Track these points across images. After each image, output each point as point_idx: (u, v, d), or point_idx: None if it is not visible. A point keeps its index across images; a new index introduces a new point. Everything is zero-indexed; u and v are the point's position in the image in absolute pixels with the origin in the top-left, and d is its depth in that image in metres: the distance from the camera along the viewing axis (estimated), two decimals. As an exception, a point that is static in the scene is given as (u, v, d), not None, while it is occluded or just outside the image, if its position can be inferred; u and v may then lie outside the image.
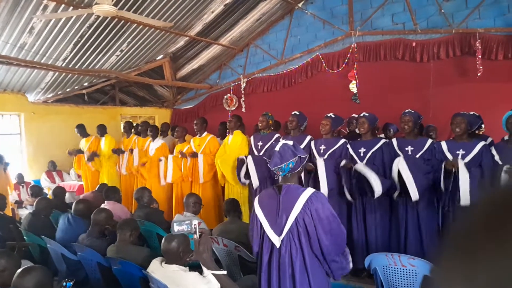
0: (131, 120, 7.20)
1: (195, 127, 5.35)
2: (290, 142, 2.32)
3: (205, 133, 5.39)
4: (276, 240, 2.13)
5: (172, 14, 5.90)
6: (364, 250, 3.81)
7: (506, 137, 3.56)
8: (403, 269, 2.75)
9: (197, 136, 5.41)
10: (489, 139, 3.87)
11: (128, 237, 3.02)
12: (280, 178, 2.33)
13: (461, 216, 0.38)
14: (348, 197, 3.89)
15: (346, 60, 6.48)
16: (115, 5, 4.56)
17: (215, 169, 5.07)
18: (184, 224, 1.79)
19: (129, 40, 6.28)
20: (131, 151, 5.94)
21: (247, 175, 4.56)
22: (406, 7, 5.92)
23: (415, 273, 2.72)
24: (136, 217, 3.98)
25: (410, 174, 3.50)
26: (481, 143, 3.40)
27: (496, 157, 3.33)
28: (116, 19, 5.43)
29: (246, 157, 4.63)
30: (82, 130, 6.54)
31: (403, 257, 2.76)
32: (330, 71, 6.65)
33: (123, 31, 5.96)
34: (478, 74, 5.26)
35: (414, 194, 3.46)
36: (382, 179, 3.65)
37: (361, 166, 3.72)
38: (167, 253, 2.44)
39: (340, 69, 6.58)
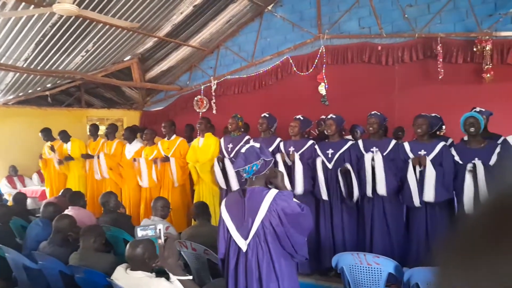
0: (97, 123, 6.99)
1: (163, 130, 5.27)
2: (257, 144, 2.32)
3: (174, 136, 5.30)
4: (243, 244, 2.12)
5: (139, 15, 5.79)
6: (331, 249, 3.88)
7: (465, 138, 3.73)
8: (369, 267, 2.82)
9: (166, 139, 5.32)
10: (450, 140, 4.04)
11: (92, 244, 2.92)
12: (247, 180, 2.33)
13: (463, 221, 0.38)
14: (324, 196, 3.93)
15: (315, 63, 6.58)
16: (79, 4, 4.42)
17: (188, 171, 5.02)
18: (149, 228, 1.76)
19: (94, 40, 6.11)
20: (98, 156, 5.75)
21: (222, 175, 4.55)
22: (372, 11, 6.09)
23: (380, 271, 2.80)
24: (102, 223, 3.87)
25: (383, 173, 3.60)
26: (441, 144, 3.54)
27: (456, 157, 3.48)
28: (81, 19, 5.27)
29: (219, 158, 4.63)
30: (47, 134, 6.25)
31: (368, 256, 2.83)
32: (300, 73, 6.73)
33: (88, 31, 5.79)
34: (440, 77, 5.48)
35: (382, 190, 3.56)
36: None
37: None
38: (132, 259, 2.38)
39: (309, 72, 6.67)
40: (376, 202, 3.71)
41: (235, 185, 4.36)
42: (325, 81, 6.50)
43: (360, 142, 3.96)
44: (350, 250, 3.51)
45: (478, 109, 3.88)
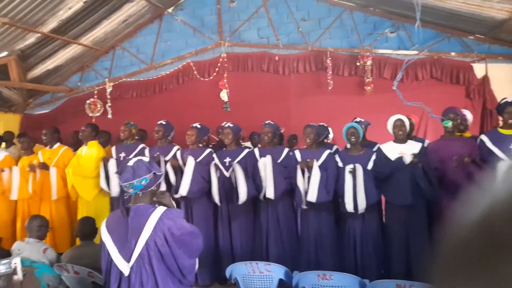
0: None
1: (43, 138, 4.70)
2: (146, 158, 2.23)
3: (58, 144, 4.77)
4: (125, 268, 1.97)
5: (17, 7, 5.10)
6: (230, 257, 3.90)
7: (348, 146, 4.09)
8: (261, 275, 2.89)
9: (47, 147, 4.76)
10: (335, 147, 4.39)
11: None
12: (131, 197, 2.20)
13: (456, 233, 0.37)
14: (216, 199, 3.93)
15: (217, 69, 6.59)
16: None
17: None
18: (1, 264, 1.51)
19: (-42, 32, 5.20)
20: None
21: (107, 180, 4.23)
22: (269, 23, 6.34)
23: (271, 277, 2.89)
24: (-37, 248, 3.30)
25: (272, 176, 3.74)
26: (327, 152, 3.83)
27: (340, 164, 3.79)
28: None
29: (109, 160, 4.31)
30: None
31: (260, 264, 2.91)
32: (202, 78, 6.68)
33: None
34: (329, 88, 5.95)
35: (270, 191, 3.70)
36: (250, 186, 3.80)
37: (237, 167, 3.81)
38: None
39: (211, 78, 6.65)
40: (270, 210, 3.85)
41: (116, 189, 4.17)
42: (227, 87, 6.55)
43: (256, 150, 4.08)
44: (247, 258, 3.57)
45: (358, 119, 4.29)
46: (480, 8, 4.65)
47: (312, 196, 3.58)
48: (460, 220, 0.37)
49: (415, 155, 3.39)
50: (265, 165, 3.75)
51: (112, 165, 4.22)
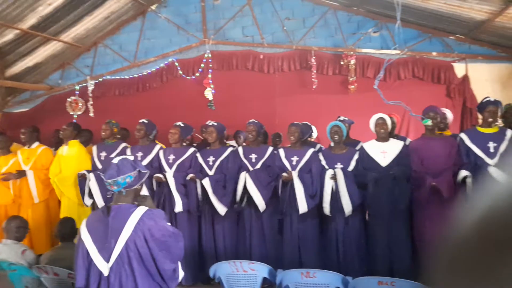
0: None
1: (22, 137, 4.57)
2: (131, 157, 2.20)
3: (36, 143, 4.64)
4: (105, 268, 1.94)
5: (-7, 2, 4.96)
6: (213, 257, 3.88)
7: (332, 144, 4.11)
8: (245, 274, 2.89)
9: (26, 147, 4.63)
10: (318, 146, 4.42)
11: None
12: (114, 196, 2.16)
13: (456, 235, 0.37)
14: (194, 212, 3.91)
15: (201, 68, 6.54)
16: None
17: (52, 185, 4.42)
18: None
19: None
20: None
21: (91, 194, 4.10)
22: (254, 21, 6.33)
23: (255, 276, 2.89)
24: None
25: (257, 189, 3.72)
26: (311, 150, 3.84)
27: (323, 162, 3.81)
28: None
29: (88, 171, 4.16)
30: None
31: (244, 263, 2.90)
32: (186, 77, 6.62)
33: None
34: (314, 87, 5.97)
35: (262, 206, 3.70)
36: (224, 198, 3.78)
37: (207, 185, 3.78)
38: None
39: (195, 76, 6.60)
40: (253, 210, 3.84)
41: (101, 202, 4.03)
42: (212, 86, 6.51)
43: (240, 149, 4.06)
44: (231, 258, 3.56)
45: (342, 118, 4.32)
46: (460, 9, 4.74)
47: (303, 208, 3.60)
48: (459, 221, 0.37)
49: (392, 173, 3.46)
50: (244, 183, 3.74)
51: (92, 179, 4.09)
